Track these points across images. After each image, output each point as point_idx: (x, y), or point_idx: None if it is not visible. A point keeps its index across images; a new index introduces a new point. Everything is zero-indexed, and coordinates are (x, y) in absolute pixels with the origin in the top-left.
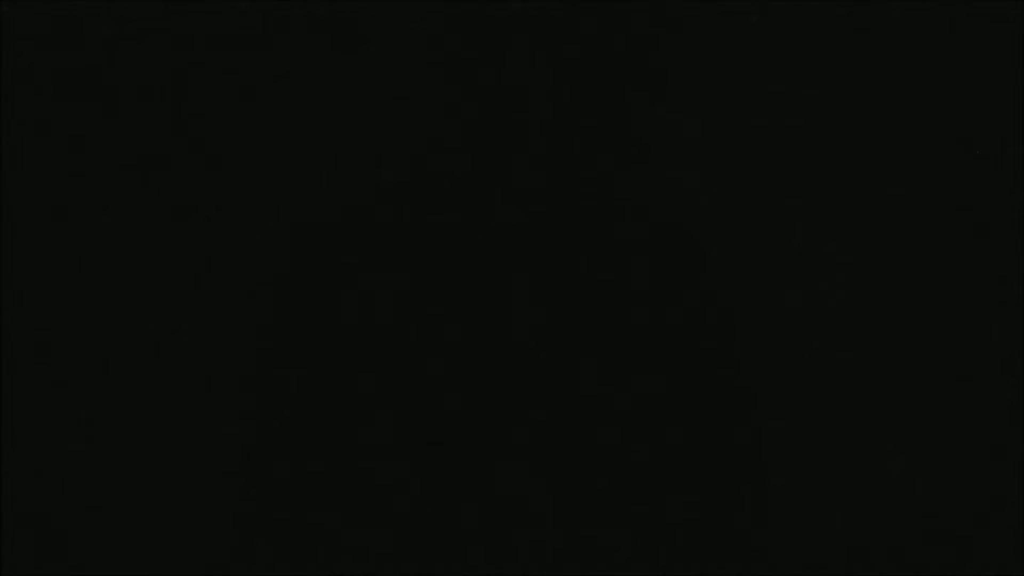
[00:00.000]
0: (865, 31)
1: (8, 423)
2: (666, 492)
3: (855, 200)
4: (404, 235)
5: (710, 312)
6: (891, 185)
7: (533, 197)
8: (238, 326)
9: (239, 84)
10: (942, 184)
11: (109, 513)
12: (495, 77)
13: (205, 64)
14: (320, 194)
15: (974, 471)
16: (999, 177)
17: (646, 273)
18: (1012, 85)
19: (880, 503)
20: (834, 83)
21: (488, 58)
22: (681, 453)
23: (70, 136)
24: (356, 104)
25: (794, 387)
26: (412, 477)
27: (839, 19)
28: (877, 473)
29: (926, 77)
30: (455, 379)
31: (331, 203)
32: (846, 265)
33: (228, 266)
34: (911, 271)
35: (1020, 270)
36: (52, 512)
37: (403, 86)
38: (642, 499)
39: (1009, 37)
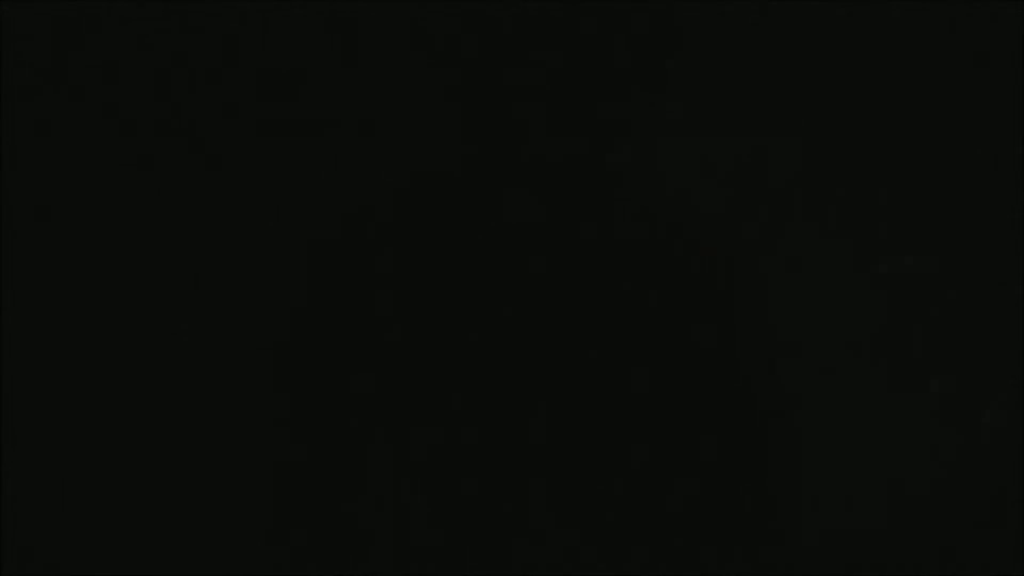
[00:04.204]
0: (865, 31)
1: (9, 425)
2: (670, 489)
3: (856, 199)
4: (406, 238)
5: (712, 311)
6: (891, 184)
7: (536, 199)
8: (249, 330)
9: (241, 85)
10: (942, 184)
11: (114, 515)
12: (496, 77)
13: (206, 65)
14: (325, 197)
15: (975, 471)
16: (999, 177)
17: (648, 274)
18: (1012, 85)
19: (883, 503)
20: (835, 83)
21: (488, 58)
22: (680, 452)
23: (70, 136)
24: (358, 106)
25: (795, 385)
26: (420, 477)
27: (839, 19)
28: (881, 475)
29: (926, 77)
30: (465, 383)
31: (335, 206)
32: (846, 264)
33: (240, 270)
34: (911, 270)
35: (1020, 270)
36: (53, 513)
37: (403, 87)
38: (648, 497)
39: (1009, 37)
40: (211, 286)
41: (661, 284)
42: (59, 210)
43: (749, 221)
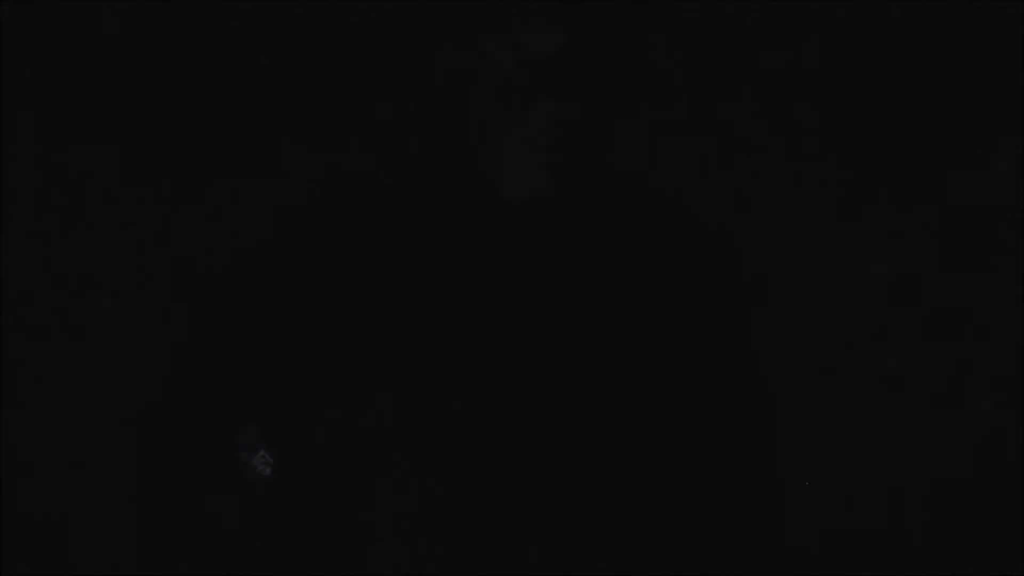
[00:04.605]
0: (865, 31)
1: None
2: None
3: (855, 199)
4: (403, 238)
5: (711, 311)
6: (891, 184)
7: (536, 199)
8: (247, 329)
9: (240, 84)
10: (942, 183)
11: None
12: (494, 76)
13: (205, 63)
14: (320, 192)
15: (975, 470)
16: (999, 177)
17: (647, 274)
18: (1012, 85)
19: (882, 503)
20: (835, 84)
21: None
22: (679, 452)
23: (69, 135)
24: (353, 103)
25: (793, 386)
26: (419, 478)
27: (839, 19)
28: (880, 474)
29: (926, 77)
30: (464, 384)
31: (333, 205)
32: (845, 264)
33: (236, 267)
34: (910, 270)
35: (1020, 270)
36: (52, 512)
37: (399, 84)
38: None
39: (1009, 37)
40: (193, 281)
41: (660, 284)
42: (59, 208)
43: (749, 221)
